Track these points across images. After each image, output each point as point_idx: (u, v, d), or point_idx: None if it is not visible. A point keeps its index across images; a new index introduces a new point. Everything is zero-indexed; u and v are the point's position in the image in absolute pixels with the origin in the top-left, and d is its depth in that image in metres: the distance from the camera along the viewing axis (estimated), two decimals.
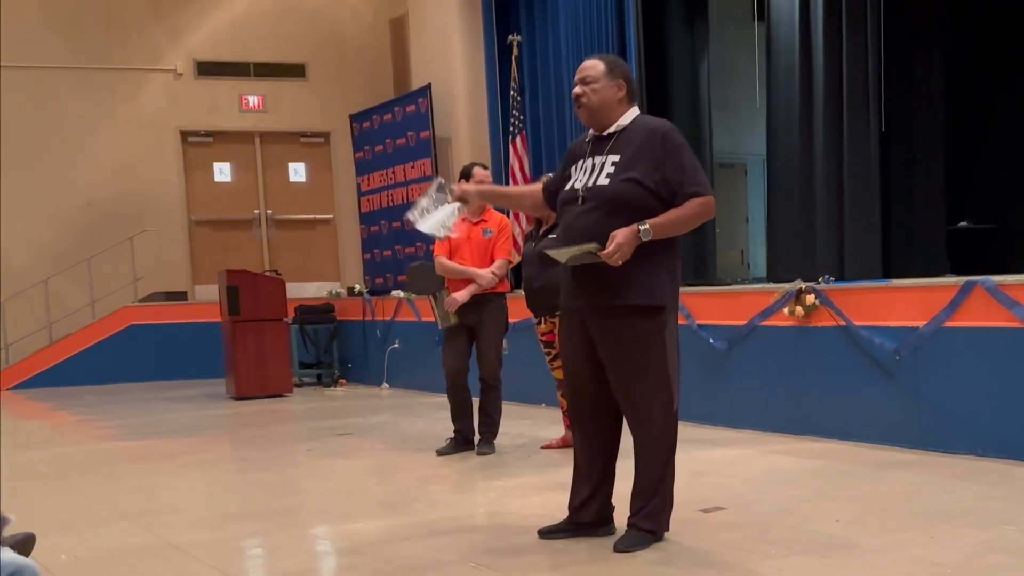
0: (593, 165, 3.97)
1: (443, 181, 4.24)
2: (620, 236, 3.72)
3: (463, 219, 6.37)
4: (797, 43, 7.64)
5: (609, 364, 3.92)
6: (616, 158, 3.90)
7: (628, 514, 3.98)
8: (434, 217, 4.15)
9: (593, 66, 4.02)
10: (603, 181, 3.88)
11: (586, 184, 3.94)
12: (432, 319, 6.78)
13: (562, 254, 3.87)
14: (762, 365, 6.73)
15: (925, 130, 8.31)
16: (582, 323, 3.97)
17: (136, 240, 13.10)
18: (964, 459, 5.47)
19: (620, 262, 3.73)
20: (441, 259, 6.41)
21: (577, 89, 4.00)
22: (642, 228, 3.74)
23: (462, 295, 6.28)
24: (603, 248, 3.73)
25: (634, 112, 4.03)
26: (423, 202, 4.17)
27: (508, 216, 7.99)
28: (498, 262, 6.34)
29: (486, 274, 6.28)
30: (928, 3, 8.28)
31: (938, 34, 8.34)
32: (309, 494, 5.46)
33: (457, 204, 4.15)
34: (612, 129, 3.99)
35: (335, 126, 14.11)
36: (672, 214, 3.81)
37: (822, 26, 7.48)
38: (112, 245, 13.06)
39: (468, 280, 6.31)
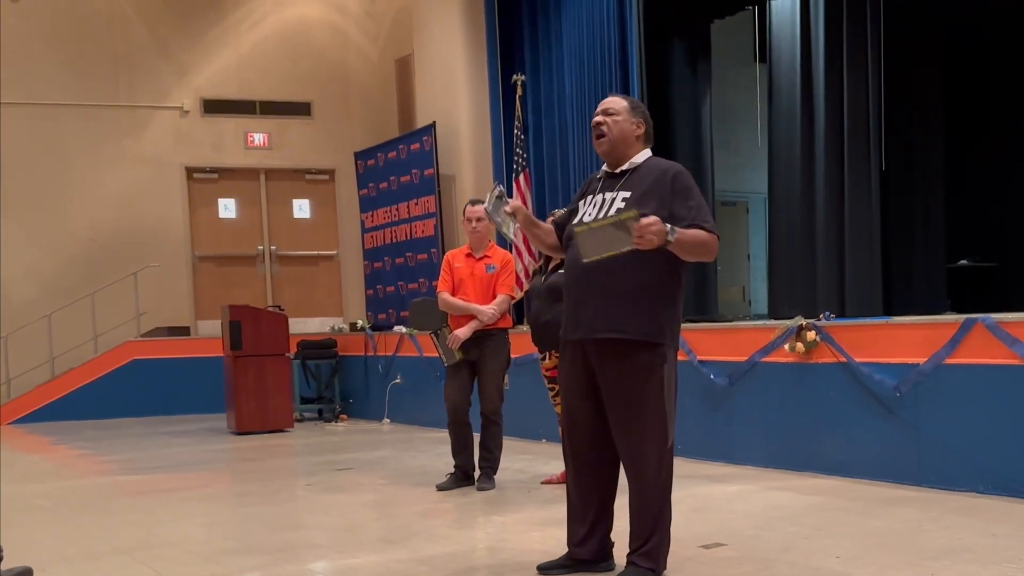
0: (603, 200, 3.99)
1: (503, 189, 4.24)
2: (658, 221, 3.65)
3: (467, 255, 6.44)
4: (798, 83, 7.72)
5: (607, 398, 3.93)
6: (627, 194, 3.92)
7: (627, 551, 3.97)
8: (496, 216, 4.19)
9: (616, 101, 4.10)
10: (612, 215, 3.90)
11: (596, 218, 3.93)
12: (434, 355, 6.79)
13: (593, 233, 3.71)
14: (763, 401, 6.72)
15: (925, 169, 8.39)
16: (583, 355, 3.97)
17: (140, 275, 13.15)
18: (965, 496, 5.45)
19: (649, 244, 3.61)
20: (444, 295, 6.44)
21: (599, 118, 4.05)
22: (669, 227, 3.69)
23: (464, 331, 6.30)
24: (642, 216, 3.61)
25: (648, 153, 4.08)
26: (487, 204, 4.22)
27: (511, 252, 8.03)
28: (500, 297, 6.36)
29: (487, 310, 6.31)
30: (928, 43, 8.38)
31: (937, 74, 8.45)
32: (308, 529, 5.44)
33: (510, 215, 4.14)
34: (625, 166, 4.02)
35: (340, 163, 14.22)
36: (695, 234, 3.78)
37: (823, 66, 7.57)
38: (116, 280, 13.11)
39: (470, 316, 6.33)
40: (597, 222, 3.74)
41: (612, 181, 4.04)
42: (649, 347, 3.85)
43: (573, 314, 4.00)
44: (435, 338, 6.48)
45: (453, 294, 6.41)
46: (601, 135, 4.03)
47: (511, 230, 4.23)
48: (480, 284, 6.38)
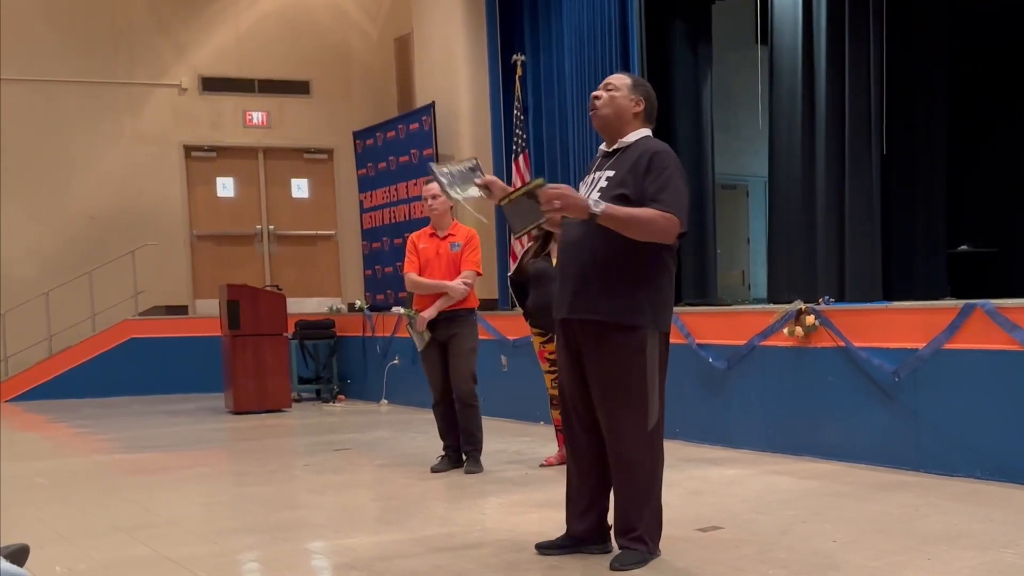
0: (594, 179, 4.03)
1: (477, 162, 4.23)
2: (568, 190, 3.72)
3: (431, 235, 6.41)
4: (800, 66, 7.68)
5: (589, 378, 3.96)
6: (611, 174, 3.95)
7: (620, 532, 3.98)
8: (454, 182, 4.16)
9: (619, 77, 4.10)
10: (595, 196, 3.92)
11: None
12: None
13: (514, 204, 3.79)
14: (761, 385, 6.72)
15: (926, 153, 8.35)
16: (572, 334, 4.01)
17: (138, 254, 13.12)
18: (963, 481, 5.46)
19: (558, 214, 3.67)
20: (411, 275, 6.38)
21: (598, 92, 4.05)
22: (594, 200, 3.75)
23: (429, 312, 6.25)
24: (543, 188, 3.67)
25: (642, 132, 4.06)
26: (449, 167, 4.19)
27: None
28: (465, 272, 6.29)
29: (456, 285, 6.25)
30: (931, 27, 8.33)
31: (940, 58, 8.40)
32: (306, 509, 5.46)
33: (481, 188, 4.12)
34: (617, 145, 4.02)
35: (339, 143, 14.17)
36: (630, 210, 3.79)
37: (824, 49, 7.53)
38: (114, 258, 13.08)
39: (436, 296, 6.29)
40: (515, 193, 3.81)
41: (605, 160, 4.06)
42: (627, 329, 3.87)
43: (560, 293, 4.05)
44: (409, 326, 6.44)
45: (420, 275, 6.38)
46: (594, 108, 4.03)
47: (464, 193, 4.15)
48: (446, 263, 6.32)
